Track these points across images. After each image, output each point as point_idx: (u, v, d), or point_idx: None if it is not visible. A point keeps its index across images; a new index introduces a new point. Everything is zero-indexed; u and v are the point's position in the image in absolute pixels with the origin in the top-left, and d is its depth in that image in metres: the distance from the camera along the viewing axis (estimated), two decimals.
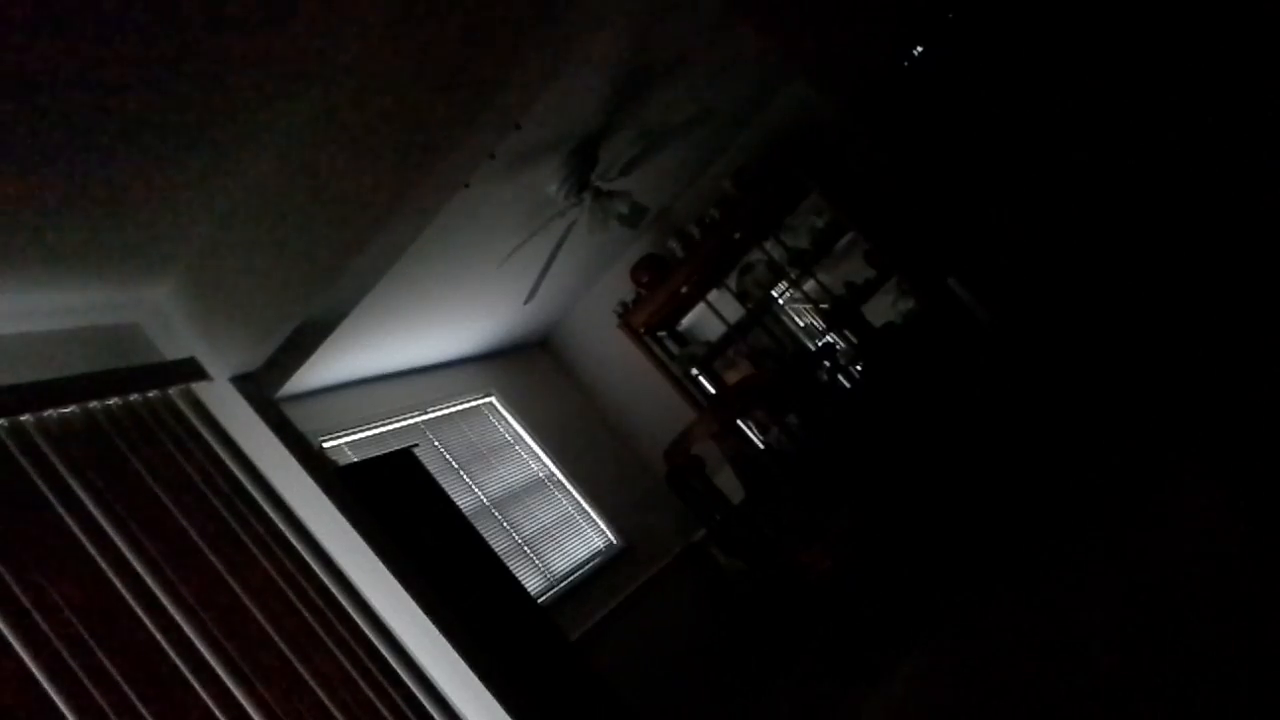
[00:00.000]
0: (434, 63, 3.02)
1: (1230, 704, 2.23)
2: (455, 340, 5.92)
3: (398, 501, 3.77)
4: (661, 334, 6.64)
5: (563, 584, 5.35)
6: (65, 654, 2.31)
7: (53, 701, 2.23)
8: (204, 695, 2.52)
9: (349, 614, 3.10)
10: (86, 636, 2.38)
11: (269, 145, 3.04)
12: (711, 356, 6.52)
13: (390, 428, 5.37)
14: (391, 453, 4.19)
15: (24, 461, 2.58)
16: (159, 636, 2.55)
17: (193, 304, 3.36)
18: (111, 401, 2.92)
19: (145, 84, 2.42)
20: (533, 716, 3.20)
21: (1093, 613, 3.18)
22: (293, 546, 3.12)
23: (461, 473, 5.49)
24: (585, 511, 6.11)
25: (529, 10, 2.90)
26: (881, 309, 6.22)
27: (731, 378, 6.47)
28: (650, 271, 6.36)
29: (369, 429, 5.22)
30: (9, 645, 2.24)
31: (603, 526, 6.09)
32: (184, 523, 2.84)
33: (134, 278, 3.19)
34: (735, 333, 6.42)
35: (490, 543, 4.20)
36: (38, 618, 2.32)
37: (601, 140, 4.83)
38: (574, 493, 6.15)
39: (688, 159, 6.11)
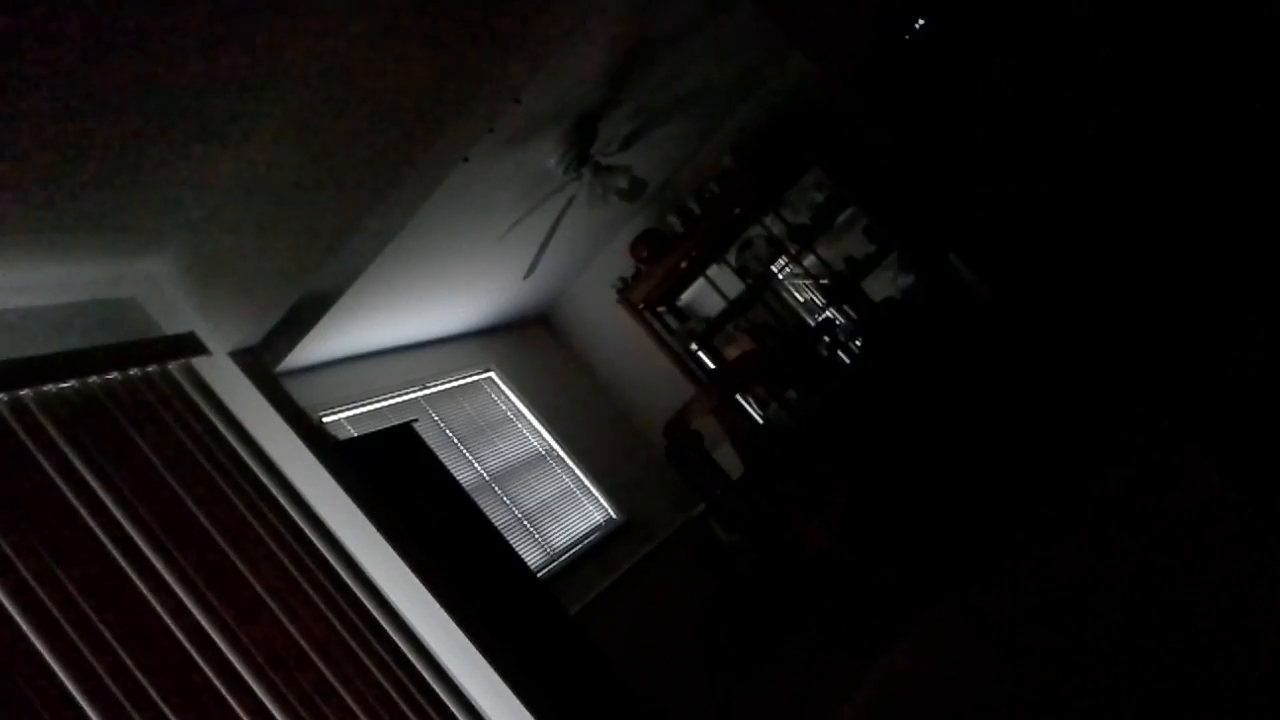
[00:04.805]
0: (434, 37, 3.00)
1: (1228, 676, 2.24)
2: (455, 315, 5.91)
3: (397, 476, 3.78)
4: (661, 309, 6.64)
5: (562, 558, 5.37)
6: (66, 625, 2.33)
7: (54, 671, 2.24)
8: (203, 664, 2.54)
9: (348, 586, 3.12)
10: (87, 608, 2.39)
11: (268, 118, 3.02)
12: (711, 332, 6.51)
13: (390, 403, 5.37)
14: (391, 427, 4.19)
15: (24, 436, 2.58)
16: (157, 606, 2.56)
17: (191, 278, 3.35)
18: (111, 376, 2.92)
19: (143, 58, 2.40)
20: (532, 689, 3.22)
21: (1091, 588, 3.20)
22: (292, 520, 3.13)
23: (461, 448, 5.50)
24: (585, 486, 6.13)
25: None
26: (882, 284, 6.21)
27: (731, 353, 6.48)
28: (650, 246, 6.34)
29: (368, 404, 5.22)
30: (10, 618, 2.25)
31: (602, 501, 6.11)
32: (184, 497, 2.85)
33: (132, 252, 3.18)
34: (735, 308, 6.41)
35: (490, 517, 4.22)
36: (39, 590, 2.34)
37: (601, 114, 4.80)
38: (573, 467, 6.17)
39: (687, 133, 6.07)
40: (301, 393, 4.17)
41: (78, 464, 2.64)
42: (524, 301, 6.57)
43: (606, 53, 4.30)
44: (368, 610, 3.11)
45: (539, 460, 6.02)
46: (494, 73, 3.04)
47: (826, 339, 5.96)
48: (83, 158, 2.58)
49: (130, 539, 2.62)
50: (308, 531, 3.15)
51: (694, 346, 6.50)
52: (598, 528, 5.90)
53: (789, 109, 6.17)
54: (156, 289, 3.37)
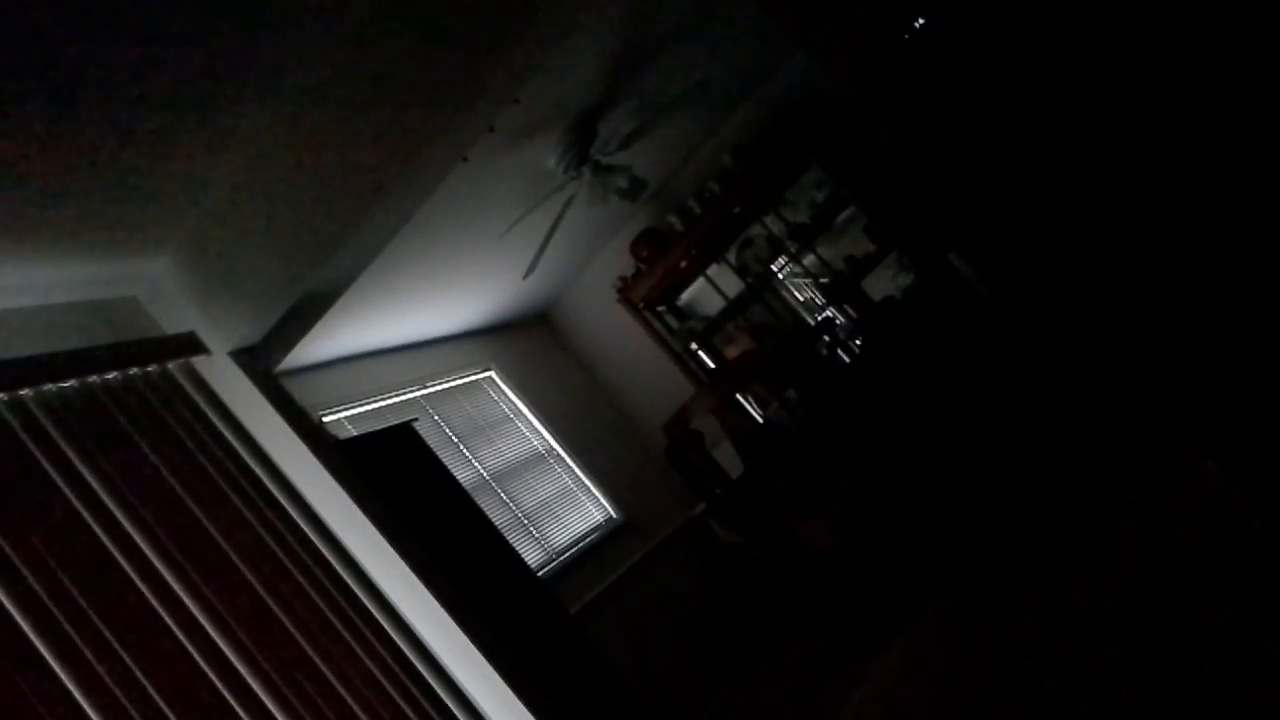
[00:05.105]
0: (433, 36, 3.00)
1: (1229, 675, 2.24)
2: (455, 315, 5.91)
3: (397, 475, 3.78)
4: (661, 309, 6.63)
5: (562, 558, 5.37)
6: (66, 625, 2.32)
7: (54, 671, 2.24)
8: (202, 662, 2.54)
9: (349, 585, 3.12)
10: (86, 606, 2.39)
11: (268, 118, 3.01)
12: (711, 331, 6.51)
13: (390, 402, 5.37)
14: (391, 427, 4.19)
15: (24, 436, 2.58)
16: (157, 605, 2.56)
17: (191, 278, 3.35)
18: (111, 376, 2.91)
19: (144, 59, 2.40)
20: (532, 689, 3.22)
21: (1092, 585, 3.20)
22: (292, 519, 3.13)
23: (461, 447, 5.50)
24: (585, 485, 6.12)
25: None
26: (882, 284, 6.21)
27: (731, 353, 6.47)
28: (650, 246, 6.34)
29: (369, 403, 5.22)
30: (10, 617, 2.25)
31: (602, 500, 6.10)
32: (184, 496, 2.85)
33: (132, 251, 3.18)
34: (735, 307, 6.40)
35: (490, 517, 4.22)
36: (39, 589, 2.34)
37: (600, 113, 4.79)
38: (574, 467, 6.16)
39: (687, 132, 6.07)
40: (301, 392, 4.16)
41: (78, 463, 2.64)
42: (524, 301, 6.56)
43: (606, 52, 4.30)
44: (368, 610, 3.11)
45: (539, 460, 6.02)
46: (494, 72, 3.04)
47: (826, 338, 5.96)
48: (82, 157, 2.58)
49: (130, 538, 2.62)
50: (308, 531, 3.15)
51: (694, 346, 6.49)
52: (598, 527, 5.89)
53: (789, 107, 6.16)
54: (156, 289, 3.37)
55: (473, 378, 6.14)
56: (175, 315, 3.35)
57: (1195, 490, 3.21)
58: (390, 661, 3.01)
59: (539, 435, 6.20)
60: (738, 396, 5.90)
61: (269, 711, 2.59)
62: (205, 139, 2.89)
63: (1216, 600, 2.57)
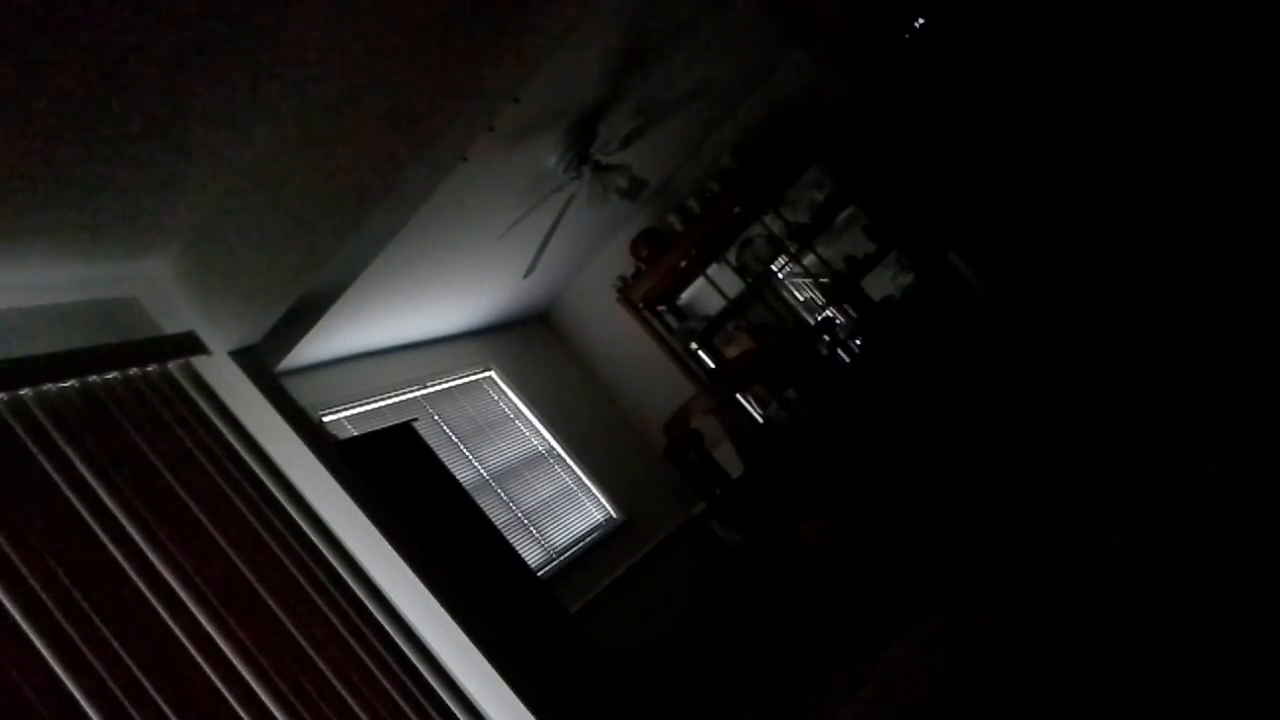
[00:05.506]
0: (432, 36, 3.00)
1: (1228, 673, 2.24)
2: (455, 314, 5.91)
3: (397, 475, 3.78)
4: (661, 308, 6.64)
5: (562, 557, 5.37)
6: (66, 624, 2.32)
7: (54, 670, 2.24)
8: (201, 661, 2.54)
9: (349, 585, 3.12)
10: (86, 607, 2.39)
11: (268, 118, 3.01)
12: (711, 331, 6.51)
13: (390, 402, 5.37)
14: (391, 427, 4.19)
15: (24, 436, 2.58)
16: (158, 606, 2.56)
17: (192, 278, 3.35)
18: (111, 376, 2.91)
19: (145, 59, 2.40)
20: (532, 689, 3.22)
21: (1091, 585, 3.19)
22: (293, 519, 3.13)
23: (461, 447, 5.51)
24: (585, 485, 6.13)
25: None
26: (881, 283, 6.21)
27: (731, 352, 6.48)
28: (649, 246, 6.34)
29: (369, 403, 5.22)
30: (10, 617, 2.25)
31: (602, 500, 6.11)
32: (184, 496, 2.84)
33: (133, 251, 3.18)
34: (735, 307, 6.41)
35: (490, 516, 4.22)
36: (39, 589, 2.33)
37: (601, 113, 4.80)
38: (574, 467, 6.17)
39: (687, 132, 6.07)
40: (301, 392, 4.17)
41: (78, 463, 2.64)
42: (524, 300, 6.57)
43: (606, 52, 4.30)
44: (368, 609, 3.10)
45: (539, 459, 6.03)
46: (494, 72, 3.04)
47: (826, 338, 5.96)
48: (83, 158, 2.58)
49: (130, 538, 2.62)
50: (308, 531, 3.15)
51: (694, 345, 6.50)
52: (598, 527, 5.90)
53: (789, 107, 6.16)
54: (156, 289, 3.37)
55: (473, 378, 6.14)
56: (175, 315, 3.35)
57: (1195, 490, 3.21)
58: (390, 661, 3.01)
59: (539, 435, 6.20)
60: (738, 396, 5.90)
61: (269, 711, 2.59)
62: (205, 140, 2.89)
63: (1217, 600, 2.57)
